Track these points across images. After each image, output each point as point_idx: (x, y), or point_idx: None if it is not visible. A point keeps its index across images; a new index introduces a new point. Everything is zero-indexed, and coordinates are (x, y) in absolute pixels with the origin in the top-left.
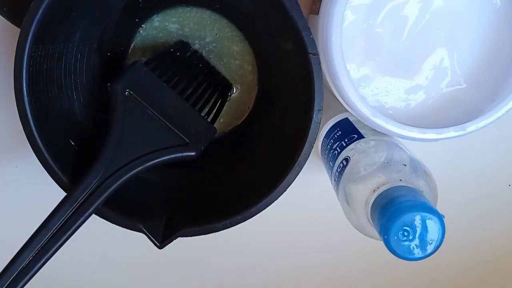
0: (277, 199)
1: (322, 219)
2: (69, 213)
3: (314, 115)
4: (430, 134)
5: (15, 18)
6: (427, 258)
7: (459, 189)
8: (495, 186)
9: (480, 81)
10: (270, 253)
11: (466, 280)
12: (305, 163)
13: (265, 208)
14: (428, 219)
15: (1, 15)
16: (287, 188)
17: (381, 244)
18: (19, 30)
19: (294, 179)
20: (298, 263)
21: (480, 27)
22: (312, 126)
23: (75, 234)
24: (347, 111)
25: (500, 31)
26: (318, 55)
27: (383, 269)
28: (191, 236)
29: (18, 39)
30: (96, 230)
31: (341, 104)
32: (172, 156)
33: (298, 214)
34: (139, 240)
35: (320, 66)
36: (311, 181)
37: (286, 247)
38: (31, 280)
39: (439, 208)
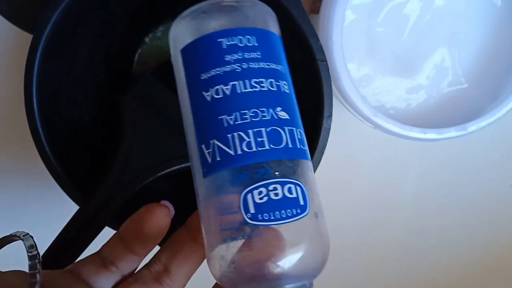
0: None
1: None
2: (83, 226)
3: (324, 121)
4: (431, 134)
5: (14, 17)
6: (427, 258)
7: (459, 189)
8: (495, 186)
9: (481, 80)
10: None
11: (466, 280)
12: (316, 170)
13: None
14: None
15: (0, 14)
16: None
17: (380, 244)
18: (19, 29)
19: None
20: None
21: (481, 27)
22: (322, 132)
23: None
24: (348, 110)
25: (501, 31)
26: (326, 61)
27: (383, 269)
28: None
29: (28, 55)
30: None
31: (342, 103)
32: (182, 165)
33: None
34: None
35: (329, 73)
36: None
37: None
38: None
39: (439, 207)
